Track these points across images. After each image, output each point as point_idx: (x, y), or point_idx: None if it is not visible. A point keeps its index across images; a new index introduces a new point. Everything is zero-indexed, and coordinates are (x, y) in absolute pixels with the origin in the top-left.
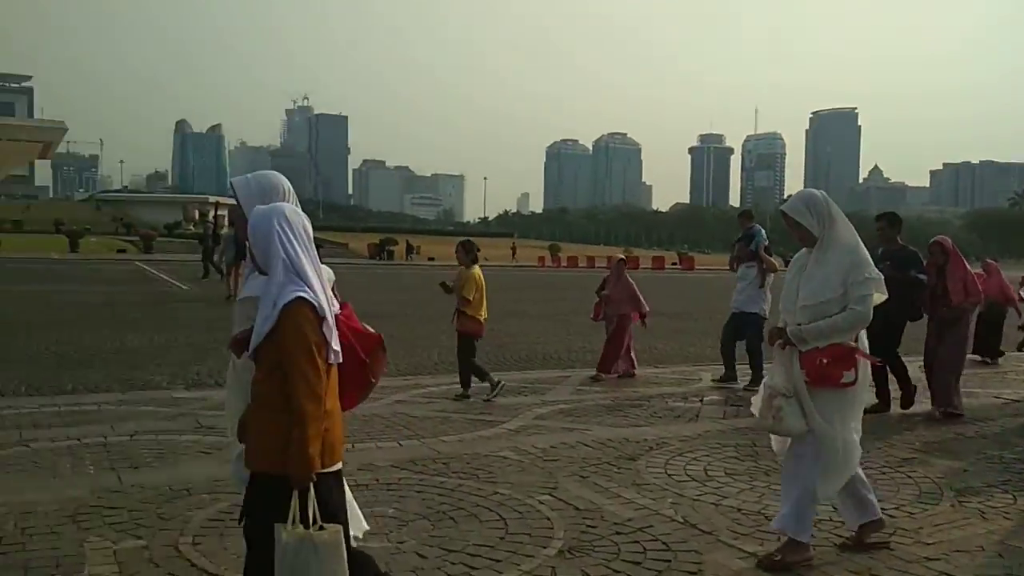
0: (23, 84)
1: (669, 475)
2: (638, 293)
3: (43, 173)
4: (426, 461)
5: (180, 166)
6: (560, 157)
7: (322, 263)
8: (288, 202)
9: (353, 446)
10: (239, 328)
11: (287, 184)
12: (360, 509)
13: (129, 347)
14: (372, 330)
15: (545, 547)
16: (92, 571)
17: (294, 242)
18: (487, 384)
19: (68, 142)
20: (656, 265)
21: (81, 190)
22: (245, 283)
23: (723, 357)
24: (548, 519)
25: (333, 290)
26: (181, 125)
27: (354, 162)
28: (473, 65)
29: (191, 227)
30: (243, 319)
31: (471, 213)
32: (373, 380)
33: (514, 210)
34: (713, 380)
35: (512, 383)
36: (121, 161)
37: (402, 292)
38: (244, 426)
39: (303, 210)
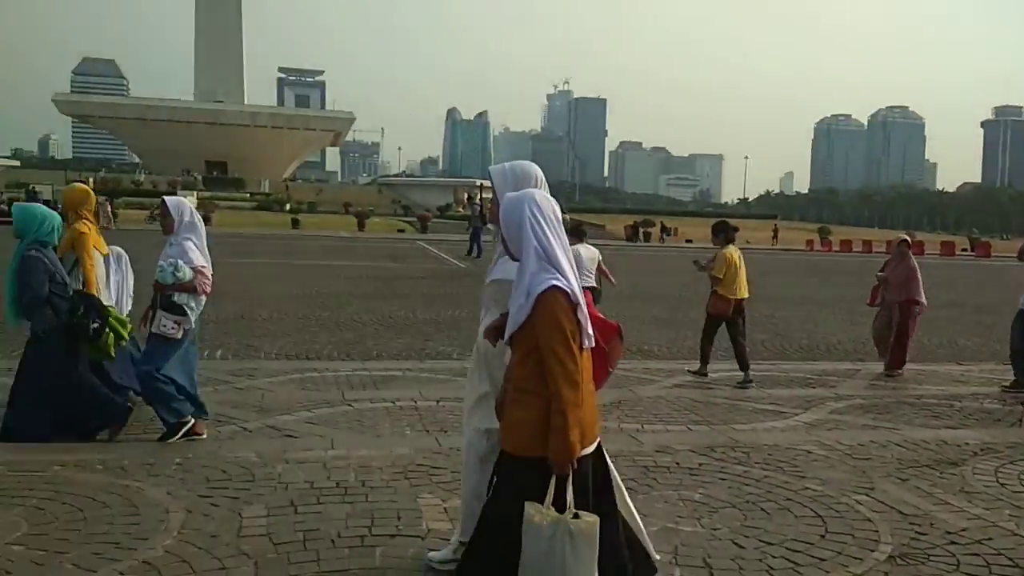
0: (316, 78)
1: (1002, 484)
2: (918, 277)
3: (332, 159)
4: (724, 448)
5: (450, 151)
6: (830, 133)
7: (587, 244)
8: (540, 188)
9: (642, 427)
10: (488, 308)
11: (539, 172)
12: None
13: (420, 319)
14: (608, 319)
15: (872, 551)
16: (429, 526)
17: (545, 229)
18: (700, 366)
19: (354, 131)
20: (945, 251)
21: (364, 174)
22: (495, 265)
23: (1012, 361)
24: (870, 520)
25: (599, 268)
26: (451, 113)
27: (611, 144)
28: (734, 42)
29: (460, 209)
30: (491, 301)
31: (730, 194)
32: (611, 368)
33: (776, 191)
34: (1002, 388)
35: (797, 374)
36: (399, 147)
37: (661, 274)
38: (500, 408)
39: (560, 192)
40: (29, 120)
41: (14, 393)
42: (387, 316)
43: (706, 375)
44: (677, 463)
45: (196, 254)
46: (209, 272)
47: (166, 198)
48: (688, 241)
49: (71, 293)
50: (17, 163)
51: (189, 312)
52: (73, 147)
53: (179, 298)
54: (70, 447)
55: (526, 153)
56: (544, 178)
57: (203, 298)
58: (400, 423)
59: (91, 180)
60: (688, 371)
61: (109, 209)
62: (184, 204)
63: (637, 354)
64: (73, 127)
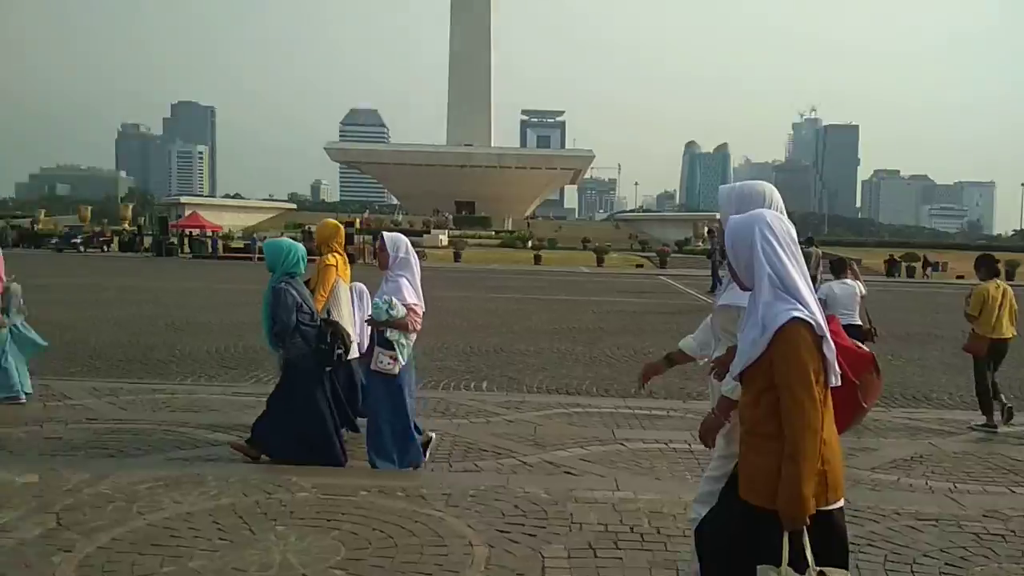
0: (557, 119)
1: None
2: None
3: (570, 196)
4: None
5: (687, 185)
6: None
7: (846, 280)
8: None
9: (955, 486)
10: (718, 339)
11: (770, 191)
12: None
13: None
14: (864, 348)
15: None
16: None
17: (780, 253)
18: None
19: (592, 168)
20: None
21: (601, 211)
22: (724, 290)
23: None
24: None
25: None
26: (690, 146)
27: (864, 173)
28: (1005, 57)
29: (700, 243)
30: (720, 330)
31: (1004, 225)
32: (864, 405)
33: None
34: None
35: None
36: (636, 183)
37: (935, 312)
38: (706, 429)
39: (807, 225)
40: (304, 167)
41: (265, 412)
42: (640, 352)
43: (995, 428)
44: (1012, 531)
45: (410, 292)
46: (421, 310)
47: (384, 233)
48: (959, 277)
49: (318, 321)
50: (294, 206)
51: (399, 349)
52: (340, 191)
53: (391, 334)
54: (372, 472)
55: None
56: (779, 199)
57: (413, 335)
58: (678, 467)
59: (358, 221)
60: (972, 426)
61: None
62: (400, 240)
63: (924, 401)
64: (340, 172)
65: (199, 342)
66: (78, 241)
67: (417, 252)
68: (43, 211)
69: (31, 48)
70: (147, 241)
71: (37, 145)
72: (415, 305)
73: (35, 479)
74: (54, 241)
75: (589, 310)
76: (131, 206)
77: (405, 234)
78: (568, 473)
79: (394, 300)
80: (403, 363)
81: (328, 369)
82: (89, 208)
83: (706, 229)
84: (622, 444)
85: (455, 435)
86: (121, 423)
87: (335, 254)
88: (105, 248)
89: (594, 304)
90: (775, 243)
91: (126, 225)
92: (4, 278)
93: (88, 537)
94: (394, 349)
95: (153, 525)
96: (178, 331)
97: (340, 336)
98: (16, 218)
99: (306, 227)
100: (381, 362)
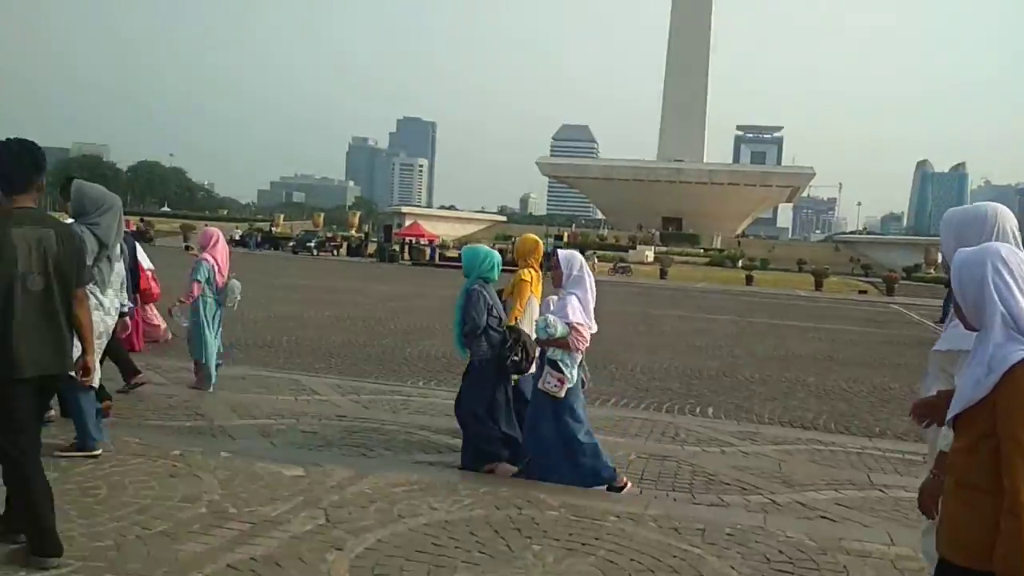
0: (774, 135)
1: None
2: None
3: (783, 215)
4: None
5: (917, 207)
6: None
7: None
8: (998, 239)
9: None
10: (935, 378)
11: (996, 212)
12: None
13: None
14: None
15: None
16: None
17: (1015, 290)
18: None
19: (810, 186)
20: None
21: (817, 231)
22: (945, 331)
23: None
24: None
25: None
26: (921, 165)
27: None
28: None
29: (931, 270)
30: (938, 370)
31: None
32: None
33: None
34: None
35: None
36: (858, 203)
37: None
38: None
39: None
40: (514, 180)
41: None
42: (880, 387)
43: None
44: None
45: (577, 311)
46: (586, 330)
47: (559, 251)
48: None
49: (504, 328)
50: (503, 218)
51: (564, 369)
52: (547, 204)
53: (553, 353)
54: (618, 496)
55: (1010, 209)
56: (1010, 222)
57: (577, 355)
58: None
59: (566, 234)
60: None
61: None
62: (575, 258)
63: None
64: (549, 186)
65: (427, 346)
66: (312, 245)
67: (622, 267)
68: (281, 216)
69: (281, 69)
70: (371, 247)
71: (278, 155)
72: (579, 325)
73: (301, 472)
74: (291, 244)
75: (814, 337)
76: (358, 214)
77: (610, 249)
78: (825, 518)
79: (551, 318)
80: (570, 385)
81: (516, 378)
82: (322, 215)
83: (940, 255)
84: (881, 491)
85: (692, 464)
86: (366, 422)
87: (531, 269)
88: (335, 252)
89: (819, 331)
90: (1009, 279)
91: (353, 232)
92: (226, 274)
93: (356, 536)
94: (560, 370)
95: (414, 530)
96: (407, 334)
97: (523, 344)
98: (257, 221)
99: (513, 239)
100: (548, 383)
